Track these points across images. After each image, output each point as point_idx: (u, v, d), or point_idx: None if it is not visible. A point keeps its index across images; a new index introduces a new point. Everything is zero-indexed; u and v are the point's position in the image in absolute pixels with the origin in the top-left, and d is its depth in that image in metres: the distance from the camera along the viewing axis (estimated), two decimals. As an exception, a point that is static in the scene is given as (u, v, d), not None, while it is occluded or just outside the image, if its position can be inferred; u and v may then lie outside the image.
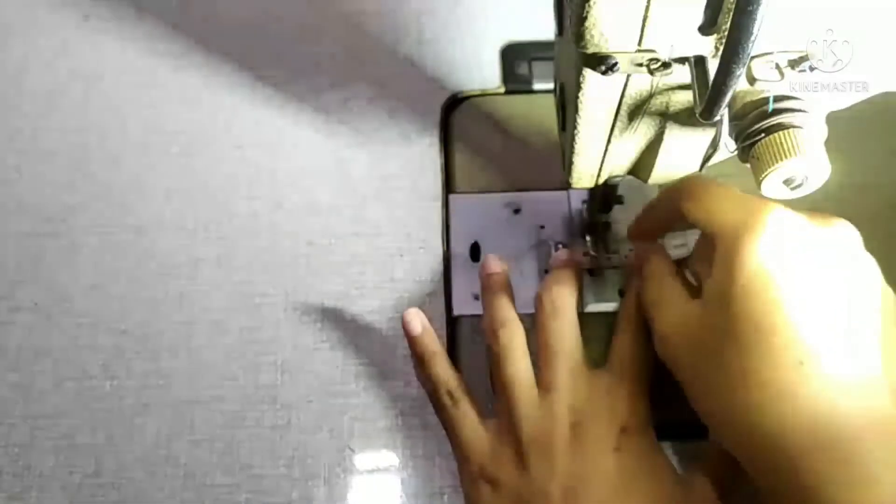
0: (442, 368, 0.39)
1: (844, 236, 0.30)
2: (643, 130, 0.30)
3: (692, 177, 0.33)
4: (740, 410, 0.29)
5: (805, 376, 0.27)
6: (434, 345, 0.39)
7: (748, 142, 0.26)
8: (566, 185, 0.35)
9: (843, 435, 0.27)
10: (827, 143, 0.26)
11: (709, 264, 0.31)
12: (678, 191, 0.33)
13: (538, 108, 0.48)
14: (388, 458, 0.40)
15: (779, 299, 0.28)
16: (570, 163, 0.32)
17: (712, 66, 0.24)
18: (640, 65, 0.24)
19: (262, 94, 0.49)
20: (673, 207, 0.34)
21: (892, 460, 0.26)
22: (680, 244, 0.40)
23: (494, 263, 0.40)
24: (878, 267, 0.30)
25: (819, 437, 0.27)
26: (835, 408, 0.27)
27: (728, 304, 0.29)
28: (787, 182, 0.26)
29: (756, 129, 0.25)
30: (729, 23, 0.21)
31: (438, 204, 0.46)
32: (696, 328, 0.31)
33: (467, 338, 0.42)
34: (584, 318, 0.39)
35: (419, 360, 0.39)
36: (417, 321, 0.39)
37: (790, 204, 0.29)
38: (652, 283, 0.35)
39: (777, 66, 0.25)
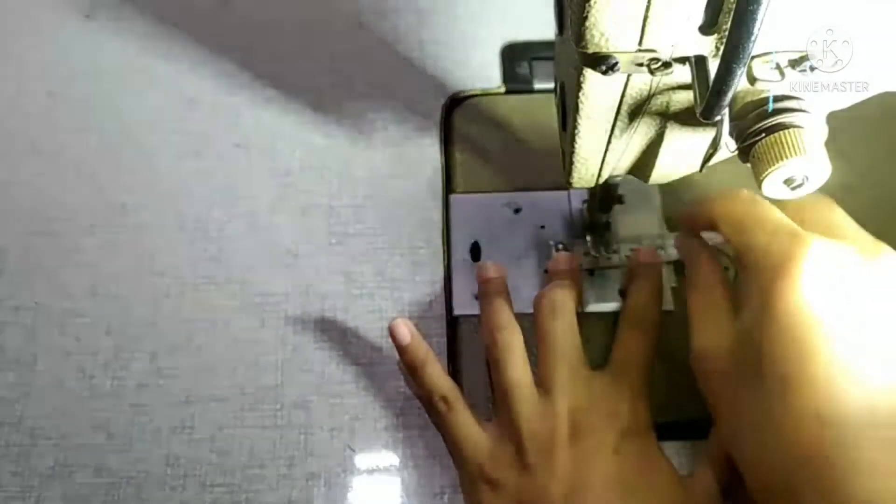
0: (434, 375, 0.38)
1: (891, 268, 0.28)
2: (643, 130, 0.30)
3: (727, 194, 0.32)
4: (760, 450, 0.28)
5: (826, 423, 0.26)
6: (424, 352, 0.39)
7: (748, 142, 0.26)
8: (566, 185, 0.35)
9: (879, 463, 0.25)
10: (827, 143, 0.26)
11: (748, 292, 0.29)
12: (712, 209, 0.32)
13: (538, 108, 0.48)
14: (388, 458, 0.40)
15: (815, 342, 0.26)
16: (570, 163, 0.32)
17: (713, 66, 0.24)
18: (641, 64, 0.24)
19: (262, 94, 0.49)
20: (707, 222, 0.32)
21: None
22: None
23: (491, 269, 0.40)
24: None
25: (853, 468, 0.25)
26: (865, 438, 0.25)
27: (760, 343, 0.28)
28: (787, 182, 0.26)
29: (756, 128, 0.25)
30: (729, 22, 0.21)
31: (438, 204, 0.46)
32: (727, 355, 0.30)
33: (468, 338, 0.42)
34: (584, 318, 0.39)
35: (410, 368, 0.39)
36: (405, 330, 0.39)
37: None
38: (700, 293, 0.33)
39: (777, 66, 0.25)
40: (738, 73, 0.22)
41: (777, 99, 0.25)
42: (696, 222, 0.35)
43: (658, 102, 0.28)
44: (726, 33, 0.21)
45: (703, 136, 0.29)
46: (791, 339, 0.27)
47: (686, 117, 0.28)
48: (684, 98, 0.27)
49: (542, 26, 0.50)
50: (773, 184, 0.26)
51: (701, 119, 0.24)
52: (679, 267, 0.41)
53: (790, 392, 0.27)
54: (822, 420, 0.26)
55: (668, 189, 0.43)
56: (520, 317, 0.39)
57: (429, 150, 0.47)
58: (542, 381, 0.37)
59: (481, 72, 0.49)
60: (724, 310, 0.32)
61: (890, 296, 0.28)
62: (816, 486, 0.26)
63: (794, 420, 0.26)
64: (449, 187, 0.46)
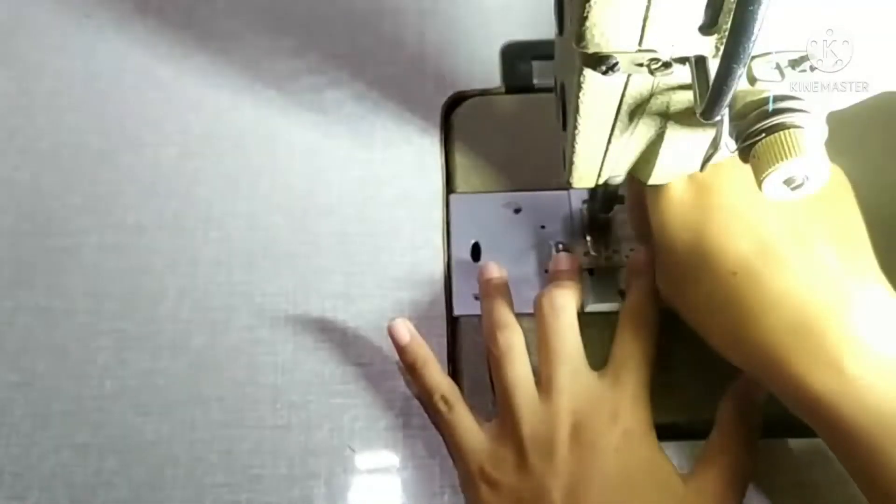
0: (434, 375, 0.39)
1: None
2: (643, 130, 0.30)
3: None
4: (711, 331, 0.33)
5: (741, 288, 0.30)
6: (424, 352, 0.39)
7: (749, 142, 0.26)
8: (566, 185, 0.35)
9: (796, 320, 0.29)
10: (827, 143, 0.26)
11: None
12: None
13: (538, 108, 0.47)
14: (388, 457, 0.40)
15: (703, 221, 0.31)
16: (571, 163, 0.32)
17: (713, 66, 0.24)
18: (641, 65, 0.24)
19: (263, 94, 0.49)
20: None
21: (847, 334, 0.29)
22: None
23: (493, 269, 0.40)
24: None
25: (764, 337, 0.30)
26: (771, 309, 0.30)
27: (664, 239, 0.33)
28: (787, 182, 0.26)
29: (756, 128, 0.25)
30: (729, 22, 0.21)
31: (439, 204, 0.46)
32: (668, 272, 0.35)
33: (468, 338, 0.42)
34: (584, 318, 0.39)
35: (410, 368, 0.39)
36: (405, 330, 0.39)
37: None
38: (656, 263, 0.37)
39: (777, 66, 0.25)
40: (738, 73, 0.22)
41: (777, 99, 0.25)
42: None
43: (658, 102, 0.28)
44: (726, 33, 0.21)
45: (704, 136, 0.29)
46: (686, 215, 0.32)
47: (686, 117, 0.28)
48: (684, 98, 0.27)
49: (542, 26, 0.50)
50: (773, 184, 0.26)
51: (701, 119, 0.24)
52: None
53: (707, 254, 0.31)
54: (737, 256, 0.30)
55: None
56: (520, 317, 0.39)
57: (429, 150, 0.47)
58: (543, 382, 0.37)
59: (481, 72, 0.49)
60: None
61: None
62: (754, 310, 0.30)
63: (718, 271, 0.31)
64: (449, 187, 0.46)
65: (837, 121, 0.27)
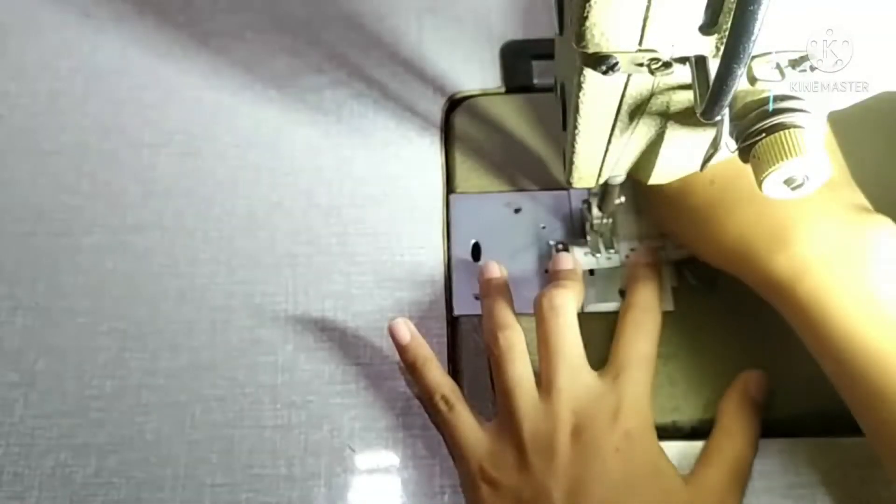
0: (435, 374, 0.39)
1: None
2: (643, 130, 0.30)
3: None
4: (698, 238, 0.36)
5: (717, 193, 0.34)
6: (424, 351, 0.39)
7: (749, 142, 0.26)
8: (566, 185, 0.35)
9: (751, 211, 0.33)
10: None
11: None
12: None
13: (538, 108, 0.48)
14: (388, 458, 0.40)
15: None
16: (571, 163, 0.32)
17: (713, 66, 0.24)
18: (641, 64, 0.24)
19: (263, 94, 0.49)
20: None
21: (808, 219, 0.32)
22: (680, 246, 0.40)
23: (493, 269, 0.40)
24: None
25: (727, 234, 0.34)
26: (737, 212, 0.34)
27: (658, 191, 0.36)
28: (787, 182, 0.26)
29: (757, 128, 0.25)
30: (729, 22, 0.21)
31: (439, 204, 0.46)
32: (661, 203, 0.38)
33: (468, 338, 0.42)
34: (584, 318, 0.39)
35: (410, 367, 0.39)
36: (405, 329, 0.39)
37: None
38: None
39: (777, 66, 0.25)
40: (739, 73, 0.22)
41: (777, 99, 0.25)
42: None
43: (658, 102, 0.28)
44: (726, 33, 0.21)
45: (704, 136, 0.29)
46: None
47: (686, 117, 0.28)
48: (684, 98, 0.27)
49: (542, 26, 0.50)
50: (773, 184, 0.26)
51: (701, 119, 0.24)
52: (679, 267, 0.41)
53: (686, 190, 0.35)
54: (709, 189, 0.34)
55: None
56: (520, 317, 0.39)
57: (429, 150, 0.47)
58: (544, 382, 0.37)
59: (481, 72, 0.49)
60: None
61: None
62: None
63: (699, 184, 0.35)
64: (449, 187, 0.46)
65: (837, 121, 0.27)
